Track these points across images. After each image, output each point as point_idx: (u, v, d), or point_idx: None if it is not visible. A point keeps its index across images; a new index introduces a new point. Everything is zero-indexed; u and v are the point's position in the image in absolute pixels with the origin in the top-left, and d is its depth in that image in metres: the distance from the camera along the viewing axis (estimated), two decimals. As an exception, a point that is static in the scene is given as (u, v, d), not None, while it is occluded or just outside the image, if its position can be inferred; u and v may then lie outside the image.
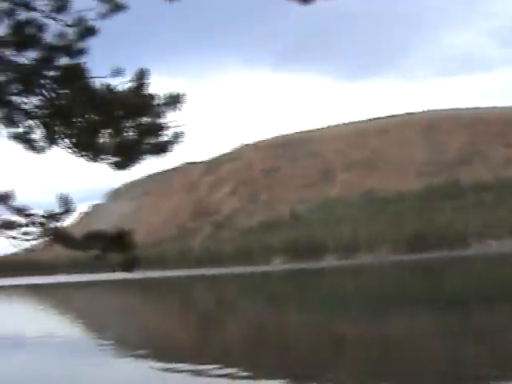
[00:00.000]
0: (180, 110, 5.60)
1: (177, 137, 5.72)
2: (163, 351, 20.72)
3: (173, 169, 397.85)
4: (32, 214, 6.13)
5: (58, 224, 6.06)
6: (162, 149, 5.76)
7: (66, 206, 5.91)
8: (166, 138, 5.75)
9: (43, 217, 6.10)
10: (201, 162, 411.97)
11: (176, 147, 5.74)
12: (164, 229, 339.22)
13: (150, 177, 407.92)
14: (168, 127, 5.70)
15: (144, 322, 35.07)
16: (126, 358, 18.99)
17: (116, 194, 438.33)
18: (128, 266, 5.67)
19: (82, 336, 27.13)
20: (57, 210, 6.01)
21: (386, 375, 14.94)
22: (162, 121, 5.69)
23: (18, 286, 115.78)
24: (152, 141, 5.76)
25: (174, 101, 5.56)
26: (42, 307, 53.34)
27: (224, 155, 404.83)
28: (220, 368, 16.43)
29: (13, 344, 23.17)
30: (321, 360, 17.72)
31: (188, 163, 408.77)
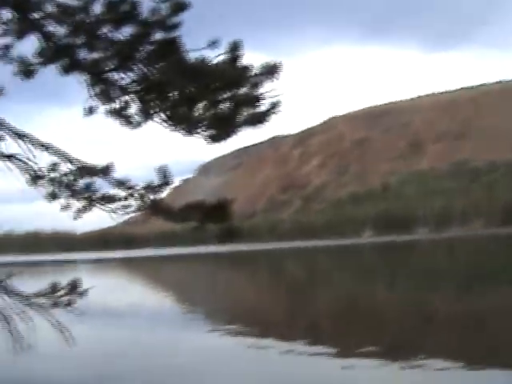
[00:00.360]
0: (277, 79, 5.56)
1: (274, 107, 5.68)
2: (253, 326, 20.76)
3: (263, 142, 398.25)
4: (132, 187, 6.26)
5: (157, 196, 6.17)
6: (258, 119, 5.73)
7: (165, 178, 5.99)
8: (262, 109, 5.72)
9: (143, 189, 6.21)
10: (291, 135, 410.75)
11: (273, 117, 5.72)
12: (254, 202, 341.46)
13: (240, 150, 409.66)
14: (264, 97, 5.67)
15: (235, 295, 35.37)
16: (216, 333, 19.19)
17: (206, 168, 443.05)
18: (226, 237, 5.69)
19: (174, 309, 27.61)
20: (155, 182, 6.11)
21: (483, 355, 14.55)
22: (258, 91, 5.66)
23: (113, 259, 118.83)
24: (248, 112, 5.74)
25: (270, 70, 5.52)
26: (135, 280, 54.68)
27: (314, 128, 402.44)
28: (310, 345, 16.33)
29: (107, 315, 23.80)
30: (414, 337, 17.41)
31: (278, 136, 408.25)
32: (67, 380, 13.33)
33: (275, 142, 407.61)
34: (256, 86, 5.63)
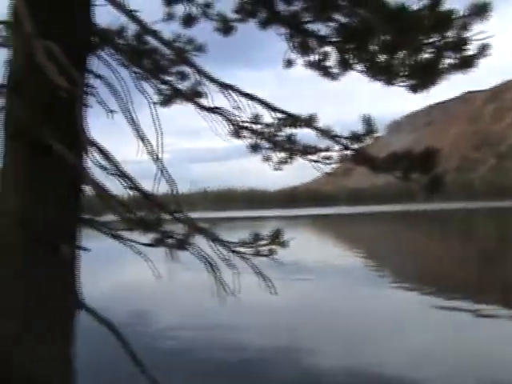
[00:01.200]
0: (487, 20, 5.20)
1: (482, 50, 5.36)
2: (441, 286, 20.23)
3: (454, 98, 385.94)
4: (335, 136, 6.23)
5: (360, 146, 6.09)
6: (465, 65, 5.44)
7: (369, 126, 5.89)
8: (469, 53, 5.42)
9: (346, 139, 6.16)
10: (483, 91, 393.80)
11: (481, 62, 5.40)
12: (446, 160, 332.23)
13: (431, 107, 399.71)
14: (472, 40, 5.36)
15: (424, 254, 34.70)
16: (405, 292, 18.96)
17: (397, 126, 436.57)
18: (431, 188, 5.50)
19: (360, 265, 27.57)
20: (360, 131, 6.02)
21: None
22: (464, 34, 5.36)
23: (302, 216, 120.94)
24: (454, 57, 5.47)
25: (478, 11, 5.19)
26: (323, 236, 55.26)
27: (509, 82, 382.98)
28: (501, 308, 15.70)
29: (295, 270, 24.24)
30: None
31: (470, 92, 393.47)
32: (262, 329, 13.82)
33: (467, 97, 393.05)
34: (462, 28, 5.33)
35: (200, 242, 6.66)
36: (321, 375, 10.10)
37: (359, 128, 6.01)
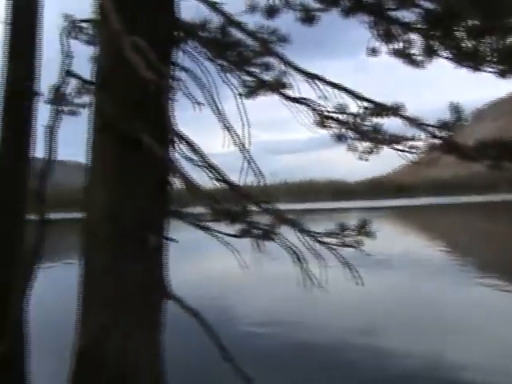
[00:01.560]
0: None
1: None
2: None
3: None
4: (423, 124, 6.12)
5: (449, 134, 5.96)
6: None
7: (458, 114, 5.77)
8: None
9: (434, 127, 6.05)
10: None
11: None
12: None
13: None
14: None
15: (509, 248, 33.54)
16: (490, 288, 18.34)
17: (480, 115, 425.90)
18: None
19: (443, 258, 26.96)
20: (448, 119, 5.90)
21: None
22: None
23: (384, 207, 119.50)
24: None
25: None
26: (405, 228, 54.45)
27: None
28: None
29: (377, 262, 23.92)
30: None
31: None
32: (347, 322, 13.77)
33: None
34: None
35: (285, 232, 6.66)
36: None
37: (444, 116, 5.91)
